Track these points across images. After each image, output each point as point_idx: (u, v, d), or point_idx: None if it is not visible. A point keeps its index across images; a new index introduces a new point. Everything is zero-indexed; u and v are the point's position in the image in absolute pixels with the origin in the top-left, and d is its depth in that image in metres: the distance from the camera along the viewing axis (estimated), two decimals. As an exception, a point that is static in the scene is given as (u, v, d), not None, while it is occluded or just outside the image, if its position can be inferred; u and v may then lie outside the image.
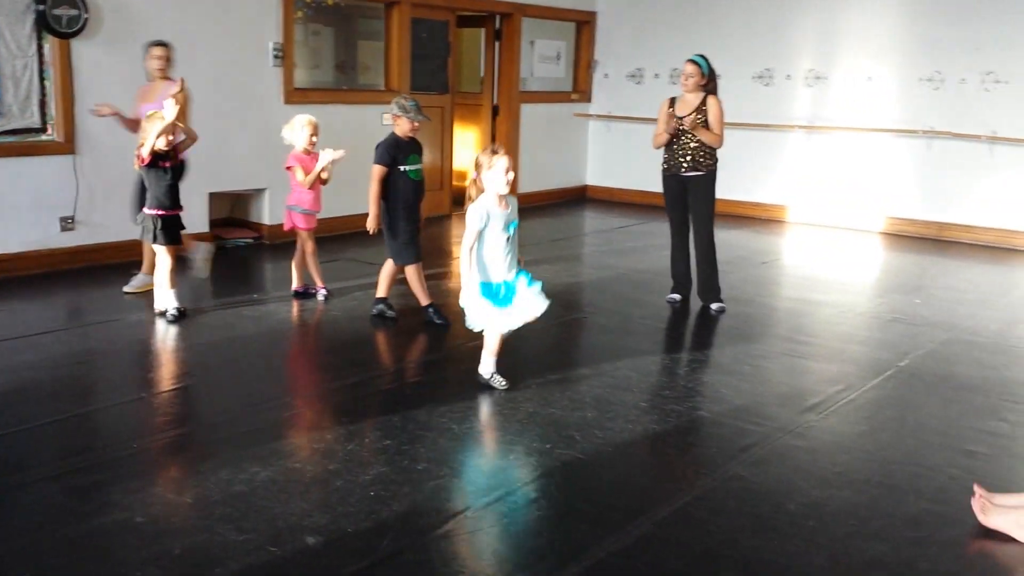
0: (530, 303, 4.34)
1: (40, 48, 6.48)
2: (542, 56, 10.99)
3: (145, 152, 5.28)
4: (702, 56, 6.03)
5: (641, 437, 3.99)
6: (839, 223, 9.68)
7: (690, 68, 5.97)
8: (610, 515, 3.27)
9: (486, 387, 4.47)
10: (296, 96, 8.01)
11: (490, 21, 10.40)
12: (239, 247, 7.87)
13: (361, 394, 4.46)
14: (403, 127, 5.44)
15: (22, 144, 6.45)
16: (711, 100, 5.95)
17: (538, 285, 4.39)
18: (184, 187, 5.65)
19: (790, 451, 3.87)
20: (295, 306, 5.98)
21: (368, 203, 5.44)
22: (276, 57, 7.82)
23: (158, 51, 5.95)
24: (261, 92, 7.77)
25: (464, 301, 4.35)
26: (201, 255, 6.17)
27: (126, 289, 6.08)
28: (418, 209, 5.59)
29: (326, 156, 5.93)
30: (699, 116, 5.92)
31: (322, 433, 3.96)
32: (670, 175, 6.13)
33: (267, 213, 8.03)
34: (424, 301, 5.65)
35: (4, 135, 6.35)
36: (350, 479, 3.45)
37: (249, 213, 8.23)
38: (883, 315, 6.15)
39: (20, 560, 2.88)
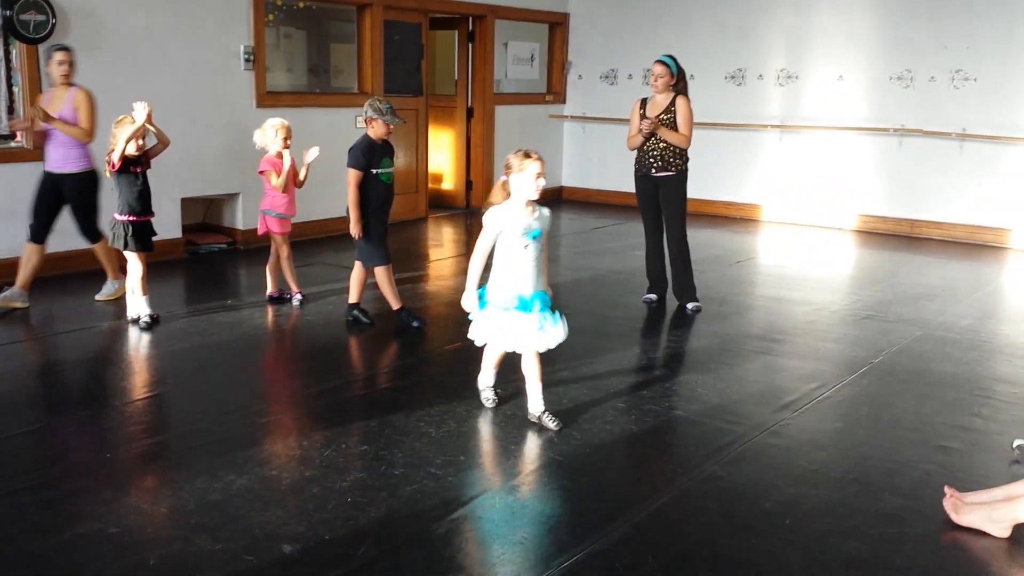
0: (537, 332, 3.96)
1: (8, 54, 6.40)
2: (516, 58, 10.99)
3: (115, 157, 5.22)
4: (670, 56, 6.06)
5: (618, 438, 3.99)
6: (813, 221, 9.75)
7: (659, 69, 6.00)
8: (588, 517, 3.27)
9: (464, 390, 4.45)
10: (268, 100, 7.96)
11: (463, 23, 10.39)
12: (213, 252, 7.81)
13: (337, 399, 4.43)
14: (378, 130, 5.40)
15: (-10, 151, 6.38)
16: (680, 101, 5.98)
17: (555, 317, 4.02)
18: (156, 193, 5.60)
19: (766, 449, 3.89)
20: (270, 311, 5.94)
21: (348, 208, 5.39)
22: (247, 61, 7.77)
23: (60, 56, 5.74)
24: (232, 96, 7.72)
25: (466, 305, 4.07)
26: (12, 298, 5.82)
27: (98, 297, 6.02)
28: (388, 212, 5.56)
29: (307, 157, 5.92)
30: (667, 116, 5.95)
31: (298, 440, 3.93)
32: (641, 176, 6.16)
33: (240, 218, 7.98)
34: (395, 305, 5.63)
35: (-29, 142, 6.27)
36: (327, 486, 3.43)
37: (222, 218, 8.17)
38: (857, 312, 6.20)
39: (-9, 574, 2.84)
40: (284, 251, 6.03)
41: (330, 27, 9.65)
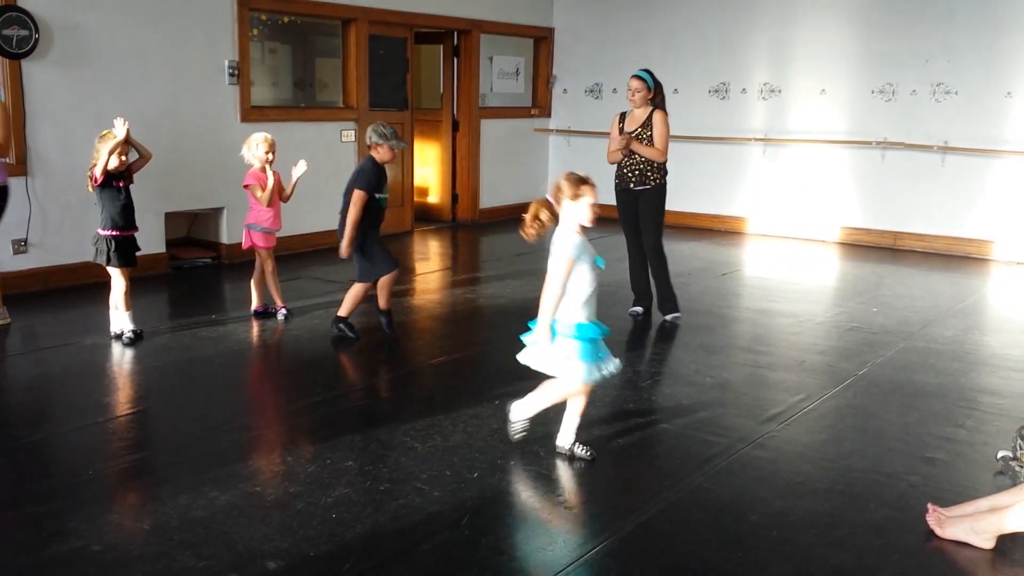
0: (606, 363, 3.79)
1: (-11, 69, 6.37)
2: (501, 72, 11.03)
3: (98, 172, 5.20)
4: (647, 71, 6.11)
5: (604, 452, 3.98)
6: (797, 234, 9.80)
7: (635, 83, 6.04)
8: (574, 530, 3.26)
9: (450, 405, 4.44)
10: (253, 114, 7.95)
11: (448, 37, 10.41)
12: (197, 267, 7.78)
13: (322, 414, 4.41)
14: (383, 155, 5.46)
15: (-28, 166, 6.33)
16: (656, 116, 6.02)
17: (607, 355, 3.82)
18: (140, 207, 5.57)
19: (752, 462, 3.89)
20: (255, 326, 5.91)
21: (346, 227, 5.37)
22: (232, 75, 7.76)
23: None
24: (217, 111, 7.71)
25: (539, 339, 3.72)
26: None
27: None
28: (379, 228, 5.63)
29: (294, 172, 5.92)
30: (644, 131, 5.99)
31: (283, 455, 3.91)
32: (621, 190, 6.20)
33: (225, 232, 7.95)
34: (384, 305, 5.68)
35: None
36: (311, 502, 3.41)
37: (207, 232, 8.14)
38: (842, 324, 6.23)
39: (-29, 594, 2.81)
40: (269, 265, 6.01)
41: (315, 41, 9.65)
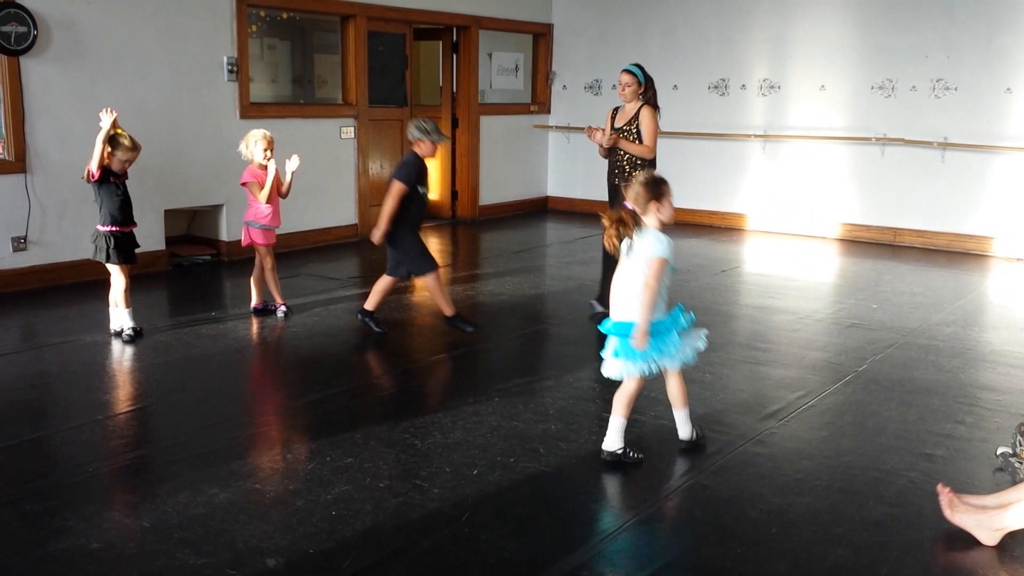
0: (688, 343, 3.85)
1: (-12, 65, 6.37)
2: (500, 68, 11.02)
3: (93, 166, 5.19)
4: (637, 65, 6.09)
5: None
6: (796, 230, 9.80)
7: (626, 78, 6.02)
8: (574, 527, 3.26)
9: (449, 401, 4.44)
10: (252, 111, 7.94)
11: (447, 34, 10.40)
12: (196, 264, 7.78)
13: (322, 412, 4.41)
14: (424, 149, 5.50)
15: (-29, 163, 6.33)
16: (644, 111, 5.99)
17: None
18: (139, 204, 5.57)
19: (752, 458, 3.89)
20: (254, 323, 5.91)
21: (381, 216, 5.43)
22: (231, 72, 7.75)
23: None
24: (216, 108, 7.70)
25: (638, 344, 3.70)
26: None
27: None
28: (420, 225, 5.70)
29: (288, 166, 5.91)
30: (632, 126, 5.97)
31: (282, 452, 3.91)
32: (612, 185, 6.21)
33: (224, 229, 7.95)
34: (449, 311, 5.65)
35: (-48, 154, 6.22)
36: (311, 499, 3.41)
37: (206, 230, 8.14)
38: (841, 321, 6.23)
39: (-29, 591, 2.81)
40: (268, 263, 6.01)
41: (314, 38, 9.65)
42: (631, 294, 3.73)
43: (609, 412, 4.41)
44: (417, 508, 3.36)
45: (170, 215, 7.62)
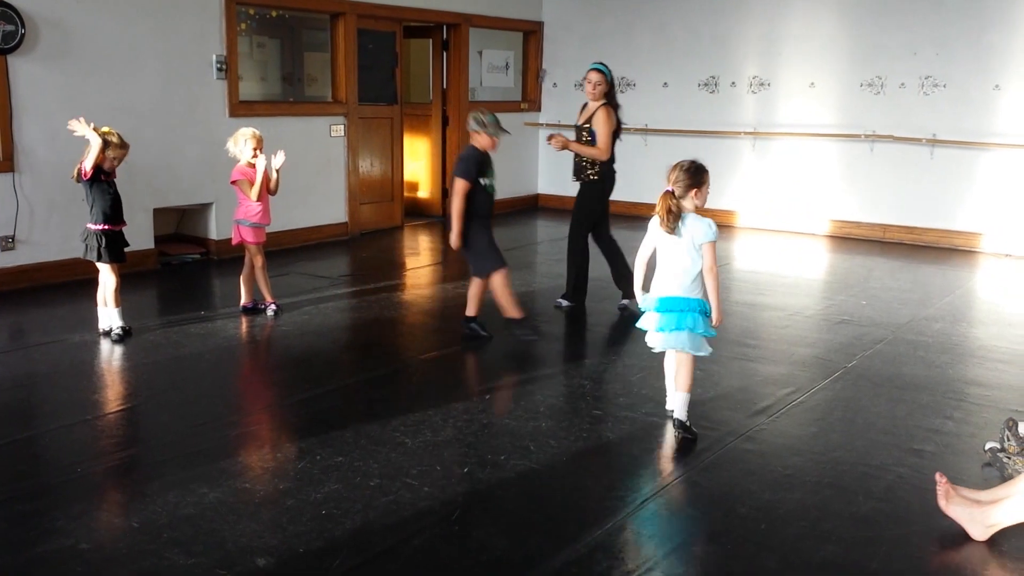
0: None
1: (-25, 64, 6.33)
2: (491, 66, 11.01)
3: (87, 165, 5.17)
4: (603, 64, 6.13)
5: (595, 445, 3.99)
6: (786, 227, 9.82)
7: (595, 76, 6.05)
8: (565, 525, 3.26)
9: (440, 400, 4.44)
10: (241, 109, 7.92)
11: (437, 31, 10.39)
12: (186, 263, 7.76)
13: (312, 410, 4.40)
14: (482, 142, 5.41)
15: (-42, 162, 6.30)
16: (599, 112, 6.04)
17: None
18: (128, 203, 5.55)
19: (741, 455, 3.90)
20: (244, 322, 5.90)
21: (452, 218, 5.35)
22: (220, 70, 7.73)
23: None
24: (205, 106, 7.68)
25: (716, 322, 3.99)
26: None
27: None
28: (490, 220, 5.54)
29: (274, 162, 5.86)
30: (588, 125, 6.02)
31: (272, 451, 3.91)
32: (575, 178, 6.35)
33: (214, 228, 7.92)
34: (516, 314, 5.48)
35: (-61, 153, 6.19)
36: (301, 498, 3.40)
37: (196, 228, 8.11)
38: (831, 317, 6.24)
39: (-41, 593, 2.80)
40: (258, 261, 5.99)
41: (303, 36, 9.62)
42: (678, 271, 3.96)
43: (599, 408, 4.43)
44: (408, 507, 3.36)
45: (159, 214, 7.59)
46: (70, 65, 6.75)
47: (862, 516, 3.35)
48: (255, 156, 5.83)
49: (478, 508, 3.39)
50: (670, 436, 4.11)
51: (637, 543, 3.15)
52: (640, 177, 8.86)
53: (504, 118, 10.87)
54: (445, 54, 10.43)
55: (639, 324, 4.13)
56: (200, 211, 7.98)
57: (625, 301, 6.33)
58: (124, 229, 5.47)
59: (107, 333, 5.43)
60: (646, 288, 4.14)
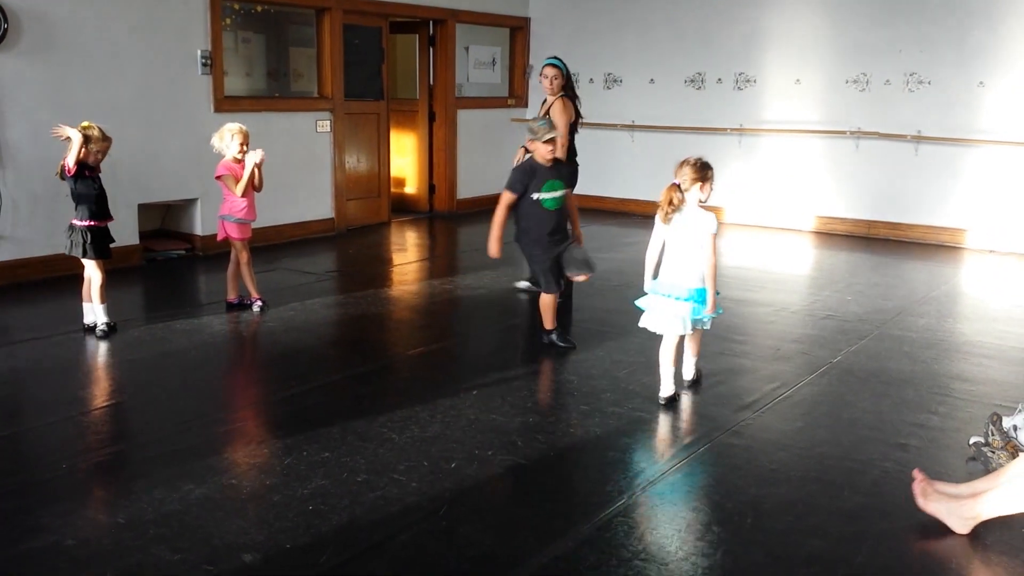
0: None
1: (-43, 58, 6.28)
2: (477, 62, 10.99)
3: (71, 161, 5.14)
4: (558, 58, 6.16)
5: (582, 440, 4.00)
6: (772, 223, 9.86)
7: (550, 71, 6.10)
8: (552, 520, 3.27)
9: (427, 395, 4.44)
10: (226, 104, 7.88)
11: (424, 27, 10.37)
12: (171, 259, 7.72)
13: (299, 406, 4.39)
14: (540, 151, 5.13)
15: (-60, 157, 6.24)
16: (556, 105, 6.09)
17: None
18: (113, 199, 5.51)
19: (727, 450, 3.91)
20: (229, 318, 5.87)
21: (491, 226, 5.23)
22: (204, 65, 7.69)
23: None
24: (190, 101, 7.64)
25: (713, 310, 4.41)
26: None
27: None
28: (557, 234, 5.21)
29: (250, 158, 5.81)
30: (545, 119, 6.06)
31: (259, 448, 3.89)
32: None
33: (199, 223, 7.89)
34: (548, 325, 5.34)
35: (-80, 148, 6.13)
36: (288, 494, 3.39)
37: (181, 224, 8.07)
38: (816, 312, 6.27)
39: (-58, 590, 2.78)
40: (244, 257, 5.97)
41: (289, 31, 9.57)
42: (683, 261, 4.32)
43: (586, 404, 4.43)
44: (395, 502, 3.35)
45: (144, 209, 7.55)
46: (54, 60, 6.70)
47: (848, 510, 3.37)
48: (242, 152, 5.80)
49: (465, 504, 3.39)
50: (655, 431, 4.12)
51: (624, 537, 3.15)
52: (627, 173, 8.87)
53: (491, 114, 11.06)
54: (432, 50, 10.41)
55: (639, 303, 4.47)
56: (185, 207, 7.94)
57: (524, 283, 6.55)
58: (109, 225, 5.45)
59: (91, 329, 5.39)
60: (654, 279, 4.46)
